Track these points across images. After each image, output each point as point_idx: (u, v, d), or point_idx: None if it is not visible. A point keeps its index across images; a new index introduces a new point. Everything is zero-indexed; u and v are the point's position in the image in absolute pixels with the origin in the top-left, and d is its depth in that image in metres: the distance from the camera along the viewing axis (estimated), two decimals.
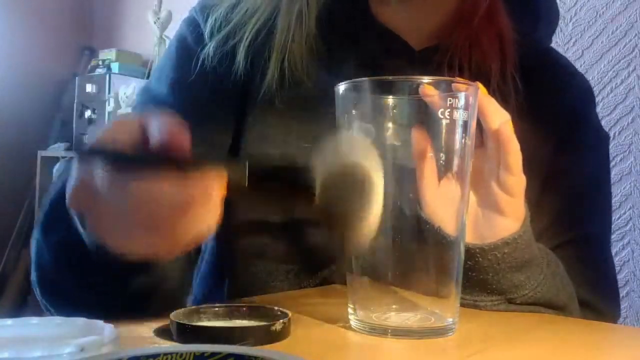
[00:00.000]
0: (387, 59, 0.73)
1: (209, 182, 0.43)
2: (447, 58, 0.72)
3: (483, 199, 0.58)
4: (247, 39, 0.72)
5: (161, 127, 0.43)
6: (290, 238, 0.70)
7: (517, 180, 0.56)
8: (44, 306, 0.62)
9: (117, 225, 0.44)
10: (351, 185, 0.45)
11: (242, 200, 0.68)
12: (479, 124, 0.56)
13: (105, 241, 0.45)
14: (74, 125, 3.13)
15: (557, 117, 0.75)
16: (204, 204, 0.42)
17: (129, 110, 2.70)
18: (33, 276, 0.62)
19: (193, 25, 0.75)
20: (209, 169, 0.43)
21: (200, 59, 0.73)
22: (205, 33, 0.73)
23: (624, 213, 1.71)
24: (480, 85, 0.53)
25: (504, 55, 0.72)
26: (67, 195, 0.45)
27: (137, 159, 0.43)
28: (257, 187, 0.44)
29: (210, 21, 0.74)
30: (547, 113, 0.73)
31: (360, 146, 0.47)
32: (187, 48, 0.74)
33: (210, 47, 0.72)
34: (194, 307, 0.50)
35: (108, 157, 0.42)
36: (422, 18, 0.75)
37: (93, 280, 0.55)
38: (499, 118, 0.55)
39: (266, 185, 0.47)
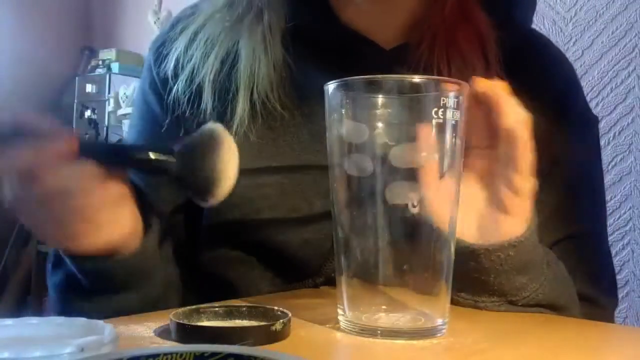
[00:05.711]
0: (356, 61, 0.70)
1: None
2: (419, 56, 0.69)
3: (490, 199, 0.57)
4: (211, 72, 0.70)
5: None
6: (274, 246, 0.68)
7: (526, 180, 0.56)
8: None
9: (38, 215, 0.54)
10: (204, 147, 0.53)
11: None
12: (492, 124, 0.55)
13: (42, 237, 0.56)
14: (74, 125, 3.13)
15: (542, 102, 0.72)
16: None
17: (129, 110, 2.70)
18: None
19: (149, 74, 0.74)
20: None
21: (170, 103, 0.71)
22: (169, 73, 0.72)
23: (624, 213, 1.71)
24: (501, 83, 0.52)
25: (485, 53, 0.70)
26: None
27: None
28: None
29: (170, 62, 0.72)
30: (531, 99, 0.72)
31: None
32: (148, 103, 0.74)
33: (177, 88, 0.70)
34: (193, 307, 0.50)
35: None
36: (388, 15, 0.73)
37: (99, 300, 0.61)
38: (515, 116, 0.55)
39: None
